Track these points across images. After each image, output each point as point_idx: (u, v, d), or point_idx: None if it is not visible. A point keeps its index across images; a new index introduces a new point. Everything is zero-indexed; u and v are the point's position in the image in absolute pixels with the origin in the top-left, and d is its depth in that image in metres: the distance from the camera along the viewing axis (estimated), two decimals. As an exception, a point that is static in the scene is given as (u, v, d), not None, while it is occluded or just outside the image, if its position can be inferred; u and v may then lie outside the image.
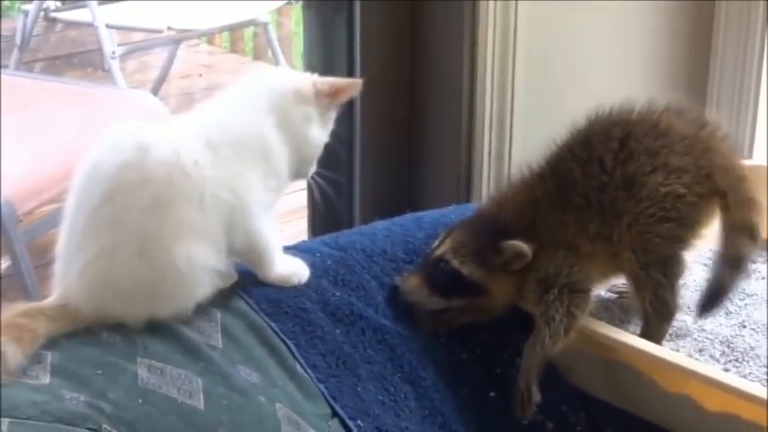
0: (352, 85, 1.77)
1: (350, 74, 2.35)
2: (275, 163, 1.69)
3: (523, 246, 1.77)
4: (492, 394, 1.83)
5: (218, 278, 1.66)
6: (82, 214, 1.60)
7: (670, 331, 1.89)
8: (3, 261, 3.66)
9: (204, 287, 1.64)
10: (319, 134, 1.73)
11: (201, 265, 1.61)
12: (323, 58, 2.45)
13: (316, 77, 1.74)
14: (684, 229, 1.83)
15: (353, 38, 2.34)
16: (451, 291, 1.82)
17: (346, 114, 2.37)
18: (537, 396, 1.77)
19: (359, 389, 1.72)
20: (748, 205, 1.82)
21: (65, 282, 1.61)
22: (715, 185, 1.81)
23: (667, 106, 1.85)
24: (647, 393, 1.77)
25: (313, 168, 1.76)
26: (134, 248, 1.58)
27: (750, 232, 1.81)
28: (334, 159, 2.36)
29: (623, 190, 1.79)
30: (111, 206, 1.59)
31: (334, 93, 1.73)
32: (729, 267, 1.80)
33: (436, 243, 1.86)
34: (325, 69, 2.44)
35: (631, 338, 1.79)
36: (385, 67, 2.35)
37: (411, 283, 1.84)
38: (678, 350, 1.85)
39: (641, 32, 2.46)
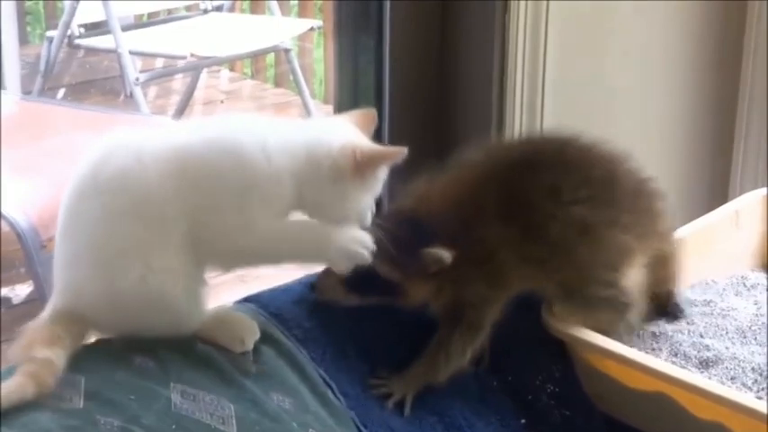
0: (396, 155, 1.63)
1: (378, 90, 2.35)
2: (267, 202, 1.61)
3: (443, 253, 1.73)
4: (522, 421, 1.82)
5: (198, 298, 1.63)
6: (60, 210, 1.62)
7: (702, 359, 1.88)
8: (23, 287, 3.67)
9: (176, 308, 1.60)
10: (361, 199, 1.63)
11: (161, 283, 1.57)
12: (350, 77, 2.46)
13: (359, 147, 1.61)
14: (622, 276, 1.86)
15: (382, 58, 2.34)
16: (367, 290, 1.78)
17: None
18: (407, 410, 1.76)
19: (387, 419, 1.72)
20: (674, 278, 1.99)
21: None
22: (654, 249, 1.90)
23: (621, 156, 1.86)
24: (677, 421, 1.76)
25: (369, 218, 1.66)
26: (89, 259, 1.58)
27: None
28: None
29: (577, 233, 1.79)
30: (69, 216, 1.60)
31: (375, 163, 1.62)
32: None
33: None
34: (353, 87, 2.44)
35: (662, 365, 1.79)
36: (413, 82, 2.35)
37: (327, 282, 1.79)
38: (710, 378, 1.84)
39: (673, 32, 2.46)
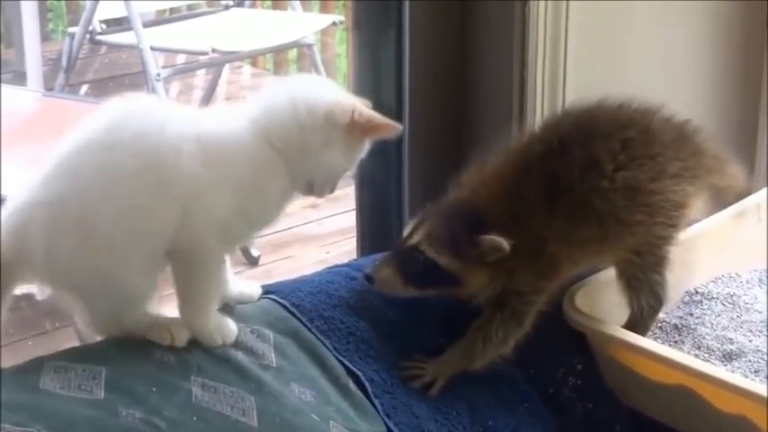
0: (391, 128, 1.66)
1: (398, 88, 2.34)
2: (262, 192, 1.62)
3: (501, 240, 1.71)
4: (546, 413, 1.82)
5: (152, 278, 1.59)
6: (55, 158, 1.57)
7: (725, 352, 1.87)
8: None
9: (136, 284, 1.57)
10: (338, 160, 1.64)
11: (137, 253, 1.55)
12: (370, 74, 2.45)
13: (359, 106, 1.64)
14: (680, 231, 1.86)
15: (402, 59, 2.34)
16: (426, 281, 1.77)
17: (394, 140, 2.36)
18: (435, 392, 1.76)
19: (413, 406, 1.71)
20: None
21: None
22: (706, 185, 1.89)
23: (653, 107, 1.85)
24: (701, 414, 1.75)
25: (327, 191, 1.67)
26: (75, 213, 1.53)
27: None
28: (384, 182, 2.37)
29: (625, 198, 1.77)
30: (69, 160, 1.56)
31: (369, 129, 1.64)
32: None
33: (407, 231, 1.79)
34: (373, 84, 2.44)
35: (686, 359, 1.78)
36: (433, 91, 2.34)
37: (384, 273, 1.77)
38: (733, 371, 1.83)
39: (695, 33, 2.44)
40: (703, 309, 1.99)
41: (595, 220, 1.76)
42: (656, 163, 1.80)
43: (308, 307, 1.76)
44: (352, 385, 1.69)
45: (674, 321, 1.95)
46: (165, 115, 1.60)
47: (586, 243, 1.78)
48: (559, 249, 1.76)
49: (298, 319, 1.74)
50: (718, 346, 1.90)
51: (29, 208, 1.55)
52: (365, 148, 1.67)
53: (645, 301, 1.86)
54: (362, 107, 1.65)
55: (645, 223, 1.80)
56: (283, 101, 1.63)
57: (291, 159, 1.62)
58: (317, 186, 1.66)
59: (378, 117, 1.65)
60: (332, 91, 1.67)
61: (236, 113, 1.64)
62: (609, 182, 1.75)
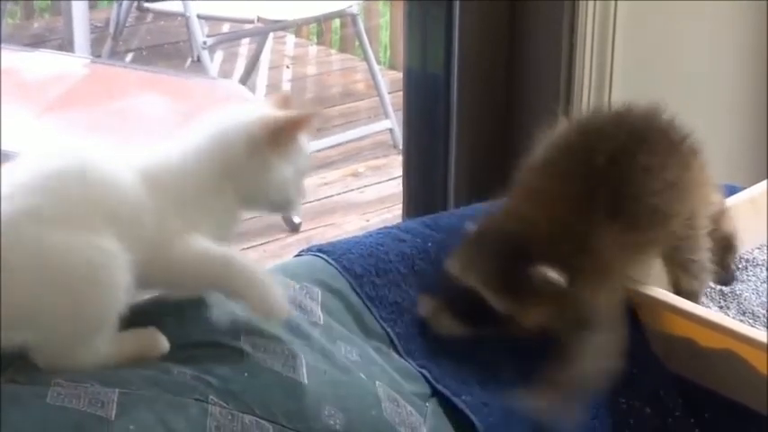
0: (307, 118, 1.55)
1: (447, 67, 2.35)
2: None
3: (554, 275, 1.64)
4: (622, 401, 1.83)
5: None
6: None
7: (770, 317, 1.89)
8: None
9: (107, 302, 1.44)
10: (284, 173, 1.54)
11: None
12: (420, 51, 2.47)
13: (268, 114, 1.54)
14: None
15: (451, 30, 2.34)
16: (480, 321, 1.72)
17: (443, 110, 2.38)
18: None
19: (461, 372, 1.72)
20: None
21: None
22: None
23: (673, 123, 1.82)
24: (746, 378, 1.76)
25: (296, 203, 1.59)
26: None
27: None
28: (432, 158, 2.39)
29: (678, 199, 1.77)
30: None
31: (291, 129, 1.53)
32: None
33: (453, 263, 1.73)
34: (422, 61, 2.45)
35: (731, 323, 1.78)
36: (482, 63, 2.35)
37: (440, 319, 1.73)
38: (778, 335, 1.84)
39: (742, 33, 2.43)
40: (748, 275, 2.00)
41: (660, 224, 1.76)
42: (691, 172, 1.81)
43: (358, 271, 1.76)
44: (394, 353, 1.71)
45: (718, 287, 1.96)
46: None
47: (645, 247, 1.78)
48: (620, 265, 1.74)
49: (347, 281, 1.75)
50: (763, 312, 1.90)
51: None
52: (304, 146, 1.57)
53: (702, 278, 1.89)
54: (272, 112, 1.56)
55: (689, 221, 1.82)
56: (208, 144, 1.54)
57: (243, 195, 1.55)
58: (281, 206, 1.63)
59: (289, 116, 1.55)
60: (238, 116, 1.56)
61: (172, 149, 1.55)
62: (663, 184, 1.74)
